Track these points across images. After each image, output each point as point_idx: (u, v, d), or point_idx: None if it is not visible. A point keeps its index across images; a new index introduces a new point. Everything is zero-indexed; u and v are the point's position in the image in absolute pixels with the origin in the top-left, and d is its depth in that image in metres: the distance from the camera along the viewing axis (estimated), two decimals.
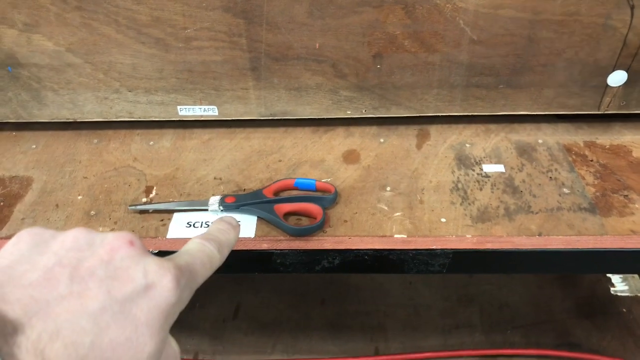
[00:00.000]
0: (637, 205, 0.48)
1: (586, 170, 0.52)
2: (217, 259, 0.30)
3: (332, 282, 0.90)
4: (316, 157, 0.56)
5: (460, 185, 0.51)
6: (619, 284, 0.87)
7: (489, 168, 0.53)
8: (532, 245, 0.46)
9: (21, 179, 0.54)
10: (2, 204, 0.52)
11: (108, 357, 0.22)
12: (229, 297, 0.88)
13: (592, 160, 0.54)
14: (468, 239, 0.46)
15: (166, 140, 0.59)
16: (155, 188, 0.52)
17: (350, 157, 0.55)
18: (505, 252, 0.46)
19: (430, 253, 0.47)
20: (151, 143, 0.58)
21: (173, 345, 0.27)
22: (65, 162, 0.57)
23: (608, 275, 0.88)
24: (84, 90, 0.56)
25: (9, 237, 0.47)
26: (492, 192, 0.50)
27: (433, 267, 0.48)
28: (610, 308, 0.84)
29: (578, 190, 0.50)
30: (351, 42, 0.52)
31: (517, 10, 0.50)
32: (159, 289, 0.24)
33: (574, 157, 0.54)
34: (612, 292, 0.86)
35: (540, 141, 0.56)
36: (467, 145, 0.56)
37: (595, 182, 0.51)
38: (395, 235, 0.47)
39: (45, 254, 0.24)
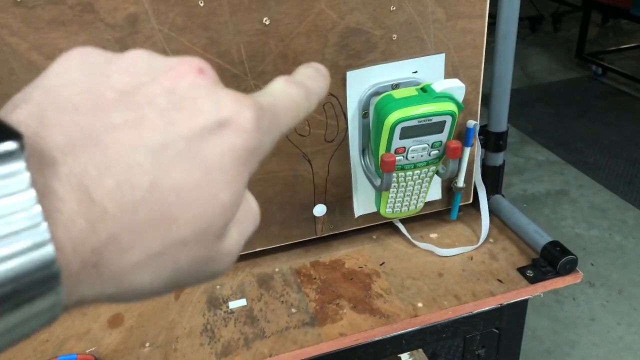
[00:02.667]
0: (344, 311, 0.61)
1: (310, 288, 0.65)
2: (305, 107, 0.24)
3: None
4: (82, 329, 0.62)
5: (209, 327, 0.61)
6: None
7: (234, 304, 0.63)
8: None
9: None
10: None
11: (171, 203, 0.17)
12: None
13: (315, 278, 0.67)
14: None
15: None
16: None
17: (115, 321, 0.62)
18: None
19: None
20: None
21: (252, 203, 0.22)
22: None
23: (399, 355, 1.02)
24: None
25: None
26: (235, 326, 0.60)
27: None
28: None
29: (303, 308, 0.62)
30: None
31: None
32: (235, 127, 0.19)
33: (302, 278, 0.67)
34: None
35: (277, 269, 0.69)
36: (218, 286, 0.67)
37: (316, 297, 0.64)
38: None
39: (95, 74, 0.19)
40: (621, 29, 3.86)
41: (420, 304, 0.61)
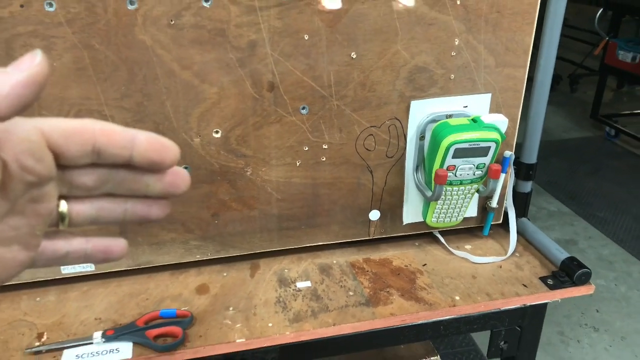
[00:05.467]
0: (394, 297, 0.73)
1: (364, 278, 0.77)
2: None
3: None
4: (175, 292, 0.74)
5: (281, 299, 0.73)
6: None
7: (300, 285, 0.76)
8: (330, 333, 0.68)
9: None
10: None
11: None
12: None
13: (367, 271, 0.79)
14: (287, 335, 0.67)
15: (51, 295, 0.73)
16: (45, 333, 0.66)
17: (201, 289, 0.75)
18: (314, 342, 0.68)
19: (264, 350, 0.67)
20: (38, 299, 0.72)
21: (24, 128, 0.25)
22: None
23: None
24: None
25: None
26: (303, 301, 0.73)
27: None
28: None
29: (359, 292, 0.74)
30: (194, 207, 0.74)
31: (302, 178, 0.76)
32: None
33: (356, 270, 0.79)
34: None
35: (334, 261, 0.81)
36: (286, 270, 0.79)
37: (370, 285, 0.76)
38: (237, 340, 0.66)
39: None
40: (635, 95, 4.03)
41: (457, 297, 0.73)
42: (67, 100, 0.65)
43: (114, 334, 0.65)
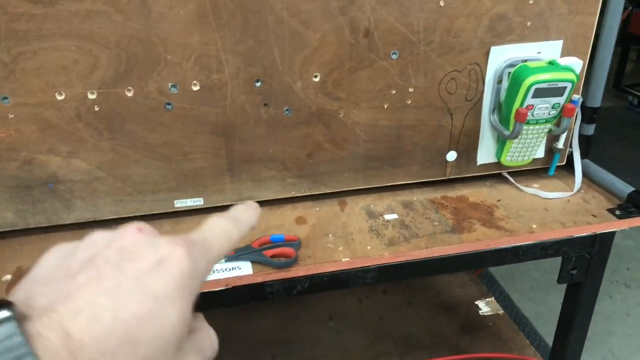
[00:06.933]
0: (476, 226, 0.81)
1: (445, 211, 0.85)
2: (235, 233, 0.32)
3: (281, 339, 1.11)
4: (277, 224, 0.82)
5: (373, 228, 0.80)
6: (484, 307, 1.20)
7: (388, 217, 0.83)
8: (424, 255, 0.75)
9: None
10: None
11: (133, 329, 0.23)
12: None
13: (447, 206, 0.86)
14: (386, 257, 0.75)
15: (166, 226, 0.81)
16: None
17: (300, 221, 0.82)
18: (408, 263, 0.75)
19: (364, 269, 0.74)
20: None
21: (210, 332, 0.29)
22: None
23: (476, 302, 1.21)
24: (104, 196, 0.78)
25: None
26: (394, 229, 0.80)
27: (367, 279, 0.75)
28: (481, 324, 1.15)
29: (443, 222, 0.82)
30: (293, 147, 0.82)
31: (388, 120, 0.83)
32: (171, 260, 0.26)
33: (436, 205, 0.87)
34: (480, 314, 1.18)
35: (415, 198, 0.88)
36: (372, 206, 0.86)
37: (452, 217, 0.83)
38: (342, 259, 0.73)
39: (66, 257, 0.27)
40: None
41: (534, 226, 0.80)
42: (189, 46, 0.72)
43: (235, 254, 0.73)
